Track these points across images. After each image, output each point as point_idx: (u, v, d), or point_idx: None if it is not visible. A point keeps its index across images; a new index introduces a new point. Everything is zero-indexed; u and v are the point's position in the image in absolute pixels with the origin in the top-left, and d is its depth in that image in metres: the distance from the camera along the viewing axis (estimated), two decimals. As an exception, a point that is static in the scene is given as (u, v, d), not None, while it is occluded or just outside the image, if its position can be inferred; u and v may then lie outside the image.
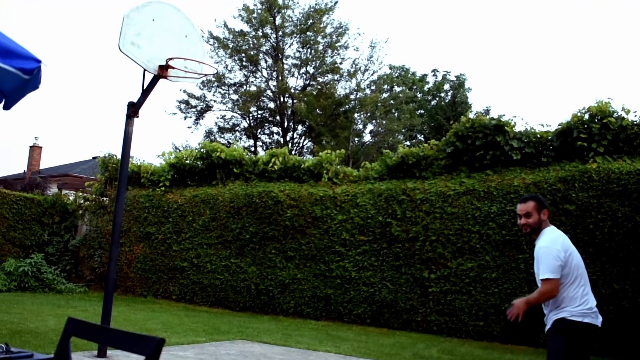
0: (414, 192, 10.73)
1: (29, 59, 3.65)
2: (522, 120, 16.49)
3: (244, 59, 32.62)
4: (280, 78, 32.09)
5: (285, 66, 32.80)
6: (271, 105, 33.64)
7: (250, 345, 8.14)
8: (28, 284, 13.39)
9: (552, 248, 3.84)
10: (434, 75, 38.88)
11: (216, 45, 32.27)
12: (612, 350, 8.47)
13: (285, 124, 33.45)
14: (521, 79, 56.25)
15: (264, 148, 33.91)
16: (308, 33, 31.88)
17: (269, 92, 33.16)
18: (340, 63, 32.67)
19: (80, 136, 63.07)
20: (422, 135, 36.04)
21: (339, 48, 32.46)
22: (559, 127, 9.98)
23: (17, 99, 4.17)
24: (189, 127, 38.25)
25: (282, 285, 11.87)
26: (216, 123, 34.55)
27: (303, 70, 33.20)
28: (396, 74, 37.83)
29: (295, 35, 32.30)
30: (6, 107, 4.26)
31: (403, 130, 32.95)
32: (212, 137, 33.35)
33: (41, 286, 13.58)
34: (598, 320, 3.85)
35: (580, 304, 3.80)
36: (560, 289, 3.82)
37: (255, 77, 33.49)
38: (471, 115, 10.99)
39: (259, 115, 34.17)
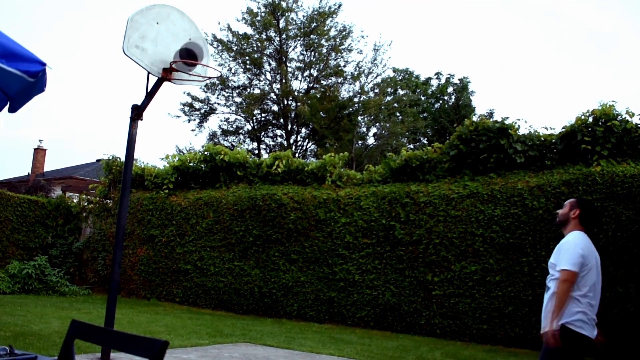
0: (418, 195, 10.72)
1: (33, 62, 3.65)
2: (526, 124, 16.36)
3: (248, 62, 32.67)
4: (283, 81, 32.13)
5: (289, 69, 32.84)
6: (275, 108, 33.67)
7: (253, 348, 8.14)
8: (32, 286, 13.41)
9: (578, 244, 3.91)
10: (437, 78, 38.92)
11: (220, 48, 32.34)
12: (616, 354, 8.44)
13: (289, 126, 33.47)
14: (525, 82, 56.22)
15: (268, 151, 33.95)
16: (312, 36, 31.91)
17: (272, 95, 33.20)
18: (344, 66, 32.70)
19: (84, 139, 63.26)
20: (426, 138, 36.02)
21: (342, 51, 32.47)
22: (563, 130, 9.97)
23: (23, 102, 4.18)
24: (192, 130, 38.35)
25: (286, 288, 11.86)
26: (220, 126, 34.61)
27: (307, 73, 33.23)
28: (400, 77, 37.83)
29: (299, 38, 32.33)
30: (12, 110, 4.27)
31: (406, 133, 32.94)
32: (216, 140, 33.38)
33: (45, 288, 13.60)
34: (594, 333, 3.83)
35: (586, 314, 3.78)
36: (572, 291, 3.81)
37: (259, 80, 33.55)
38: (475, 118, 10.98)
39: (263, 118, 34.19)
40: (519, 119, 11.27)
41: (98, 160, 28.41)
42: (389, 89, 33.72)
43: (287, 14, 31.75)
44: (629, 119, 9.51)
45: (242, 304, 12.38)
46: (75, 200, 16.73)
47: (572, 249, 3.88)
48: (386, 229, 10.92)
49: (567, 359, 3.76)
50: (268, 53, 32.78)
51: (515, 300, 9.37)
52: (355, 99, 31.87)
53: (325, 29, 31.82)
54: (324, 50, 32.40)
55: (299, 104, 31.83)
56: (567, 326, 3.75)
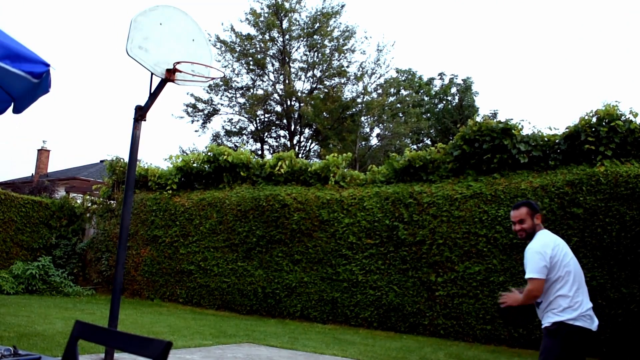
0: (421, 196, 10.71)
1: (37, 63, 3.66)
2: (530, 124, 16.47)
3: (251, 63, 32.69)
4: (287, 81, 32.13)
5: (292, 69, 32.84)
6: (278, 108, 33.69)
7: (256, 348, 8.14)
8: (36, 286, 13.44)
9: (539, 250, 3.92)
10: (440, 78, 38.88)
11: (223, 49, 32.37)
12: (620, 354, 8.42)
13: (292, 127, 33.48)
14: (528, 82, 56.14)
15: (271, 151, 33.96)
16: (315, 36, 31.91)
17: (275, 95, 33.22)
18: (347, 66, 32.70)
19: (88, 139, 63.38)
20: (429, 139, 35.99)
21: (345, 51, 32.46)
22: (567, 130, 9.94)
23: (27, 103, 4.19)
24: (196, 131, 38.42)
25: (289, 289, 11.86)
26: (223, 126, 34.67)
27: (310, 73, 33.24)
28: (403, 78, 37.80)
29: (302, 38, 32.33)
30: (16, 111, 4.28)
31: (410, 133, 32.90)
32: (219, 141, 33.41)
33: (49, 289, 13.63)
34: (593, 325, 3.86)
35: (571, 305, 3.83)
36: (552, 290, 3.88)
37: (262, 81, 33.57)
38: (478, 119, 10.97)
39: (266, 119, 34.21)
40: (522, 120, 11.30)
41: (102, 161, 28.48)
42: (392, 90, 33.70)
43: (290, 15, 31.77)
44: (633, 119, 9.48)
45: (245, 304, 12.38)
46: (78, 201, 16.76)
47: (536, 256, 3.91)
48: (389, 229, 10.91)
49: (567, 352, 3.80)
50: (271, 54, 32.79)
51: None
52: (359, 100, 31.86)
53: (328, 29, 31.82)
54: (327, 51, 32.40)
55: (302, 104, 31.84)
56: (565, 322, 3.80)
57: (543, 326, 3.96)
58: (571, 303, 3.82)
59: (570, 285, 3.86)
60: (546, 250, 3.89)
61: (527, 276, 3.92)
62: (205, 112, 33.82)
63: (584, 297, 3.89)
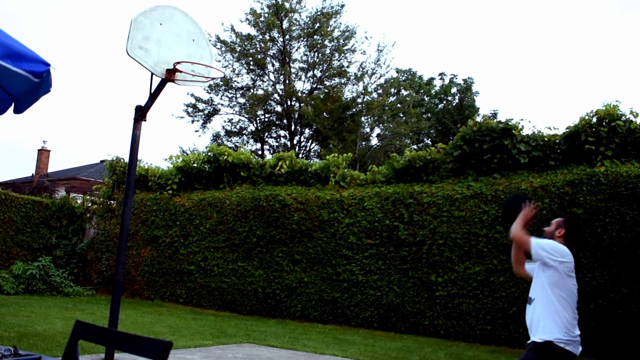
0: (421, 196, 10.71)
1: (38, 62, 3.65)
2: (530, 124, 16.46)
3: (251, 63, 32.68)
4: (287, 82, 32.12)
5: (293, 70, 32.83)
6: (278, 108, 33.68)
7: (257, 348, 8.14)
8: (36, 287, 13.44)
9: (567, 251, 3.95)
10: (441, 78, 38.85)
11: (223, 49, 32.36)
12: (620, 354, 8.42)
13: (292, 127, 33.47)
14: (529, 82, 56.12)
15: (271, 152, 33.94)
16: (315, 37, 31.90)
17: (276, 95, 33.21)
18: (348, 66, 32.69)
19: (88, 140, 63.37)
20: (429, 139, 35.97)
21: (346, 51, 32.45)
22: (567, 130, 9.94)
23: (29, 103, 4.17)
24: (196, 131, 38.36)
25: (289, 289, 11.86)
26: (223, 127, 34.64)
27: (310, 73, 33.23)
28: (403, 78, 37.78)
29: (302, 38, 32.33)
30: (17, 111, 4.27)
31: (410, 133, 32.87)
32: (220, 141, 33.39)
33: (49, 289, 13.63)
34: (578, 350, 3.86)
35: (565, 330, 3.81)
36: (552, 304, 3.88)
37: (263, 81, 33.55)
38: (478, 119, 10.97)
39: (266, 119, 34.20)
40: (522, 120, 11.28)
41: (102, 161, 28.46)
42: (393, 90, 33.68)
43: (290, 15, 31.76)
44: (633, 119, 9.48)
45: (245, 304, 12.38)
46: (79, 201, 16.75)
47: (560, 247, 3.97)
48: (390, 229, 10.91)
49: None
50: (271, 54, 32.79)
51: (519, 300, 9.35)
52: (359, 100, 31.85)
53: (328, 29, 31.82)
54: (328, 51, 32.39)
55: (302, 104, 31.83)
56: (554, 344, 3.79)
57: (531, 340, 3.92)
58: (567, 326, 3.82)
59: (571, 309, 3.88)
60: (570, 255, 3.94)
61: (531, 240, 4.00)
62: (206, 112, 33.81)
63: (575, 323, 3.91)
